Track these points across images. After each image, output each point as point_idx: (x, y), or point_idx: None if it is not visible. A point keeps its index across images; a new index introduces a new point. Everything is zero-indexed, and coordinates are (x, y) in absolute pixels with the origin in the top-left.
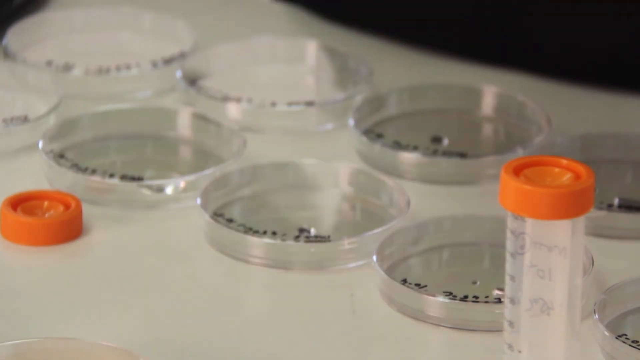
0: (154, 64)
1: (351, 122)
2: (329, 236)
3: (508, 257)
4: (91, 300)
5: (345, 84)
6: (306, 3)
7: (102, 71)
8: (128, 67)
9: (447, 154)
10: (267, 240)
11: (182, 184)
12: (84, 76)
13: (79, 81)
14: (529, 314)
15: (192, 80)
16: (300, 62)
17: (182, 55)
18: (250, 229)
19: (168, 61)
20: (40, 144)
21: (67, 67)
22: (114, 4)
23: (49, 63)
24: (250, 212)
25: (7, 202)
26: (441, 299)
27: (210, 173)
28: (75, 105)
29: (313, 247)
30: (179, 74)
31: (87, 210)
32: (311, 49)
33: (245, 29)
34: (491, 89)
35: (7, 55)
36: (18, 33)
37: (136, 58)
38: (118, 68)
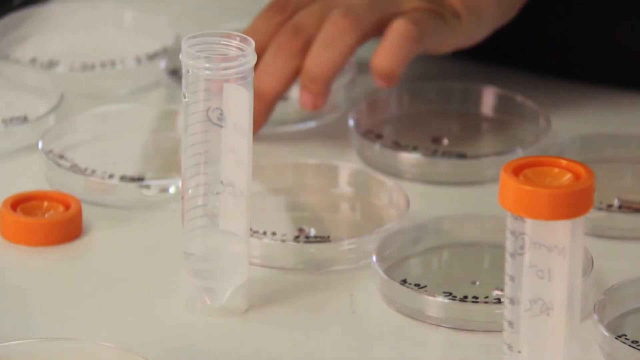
0: (138, 60)
1: (351, 122)
2: (328, 236)
3: (508, 257)
4: (91, 300)
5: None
6: None
7: (87, 67)
8: (112, 64)
9: (446, 154)
10: (266, 240)
11: (181, 185)
12: (69, 73)
13: (64, 78)
14: (529, 315)
15: (174, 72)
16: None
17: (165, 51)
18: (250, 229)
19: (151, 57)
20: (40, 144)
21: (52, 64)
22: (95, 0)
23: (33, 60)
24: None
25: (6, 202)
26: (441, 299)
27: None
28: (75, 106)
29: (313, 248)
30: (162, 64)
31: (86, 210)
32: None
33: (226, 23)
34: (491, 89)
35: None
36: (0, 31)
37: (119, 54)
38: (102, 65)
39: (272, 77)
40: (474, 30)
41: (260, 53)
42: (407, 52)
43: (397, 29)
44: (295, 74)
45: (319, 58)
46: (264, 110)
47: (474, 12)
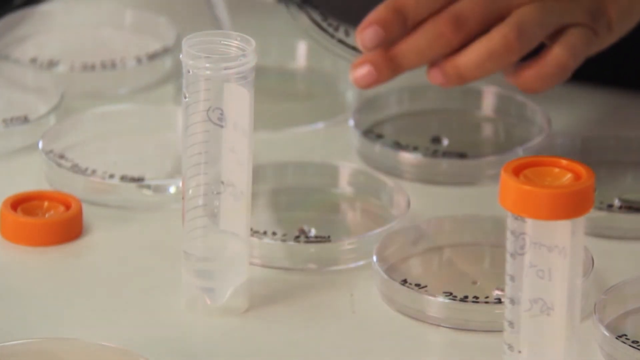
0: (138, 60)
1: (351, 122)
2: (329, 236)
3: (508, 257)
4: (91, 300)
5: (337, 84)
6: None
7: (87, 67)
8: (113, 64)
9: (447, 154)
10: (267, 240)
11: (182, 185)
12: (69, 73)
13: (64, 78)
14: (529, 314)
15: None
16: (292, 60)
17: (166, 51)
18: (251, 229)
19: (152, 57)
20: (40, 144)
21: (52, 64)
22: (95, 0)
23: (34, 60)
24: (251, 213)
25: (7, 202)
26: (441, 299)
27: None
28: (76, 106)
29: (313, 248)
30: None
31: (87, 210)
32: (302, 48)
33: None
34: (491, 89)
35: None
36: (1, 31)
37: (119, 54)
38: (103, 64)
39: (417, 58)
40: (616, 38)
41: (411, 20)
42: (559, 82)
43: (558, 59)
44: (437, 59)
45: (479, 65)
46: (390, 77)
47: (625, 22)
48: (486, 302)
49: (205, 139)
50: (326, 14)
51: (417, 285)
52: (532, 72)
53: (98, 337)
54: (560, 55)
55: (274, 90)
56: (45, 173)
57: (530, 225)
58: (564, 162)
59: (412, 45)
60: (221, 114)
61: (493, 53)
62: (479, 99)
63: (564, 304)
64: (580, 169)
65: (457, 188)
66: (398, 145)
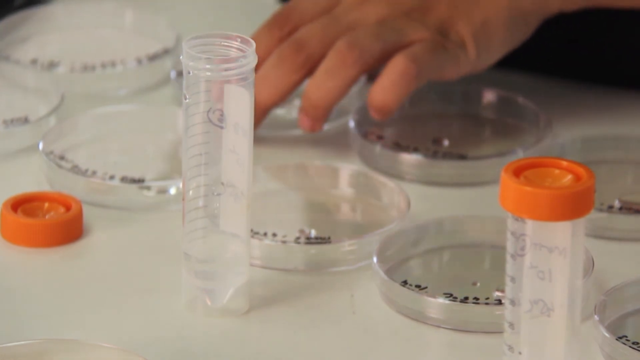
0: (139, 61)
1: (351, 123)
2: (329, 237)
3: (508, 258)
4: (91, 301)
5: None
6: None
7: (87, 68)
8: (113, 65)
9: (447, 155)
10: (267, 242)
11: (182, 186)
12: (69, 74)
13: (65, 79)
14: (529, 316)
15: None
16: None
17: (166, 52)
18: (251, 230)
19: (152, 58)
20: (41, 145)
21: (52, 65)
22: (95, 1)
23: (34, 61)
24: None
25: (7, 203)
26: (441, 300)
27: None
28: (76, 106)
29: (313, 249)
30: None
31: (87, 211)
32: None
33: (225, 24)
34: (492, 90)
35: None
36: (1, 32)
37: (119, 55)
38: (103, 65)
39: (270, 87)
40: (480, 59)
41: (259, 64)
42: (405, 90)
43: (397, 66)
44: (292, 88)
45: (321, 86)
46: (257, 117)
47: (482, 41)
48: (486, 304)
49: (205, 140)
50: None
51: (418, 286)
52: (377, 85)
53: (98, 337)
54: (398, 62)
55: None
56: (45, 174)
57: (531, 226)
58: (564, 163)
59: (262, 76)
60: (221, 115)
61: (329, 69)
62: (480, 100)
63: (564, 305)
64: (581, 170)
65: (458, 189)
66: (398, 147)
